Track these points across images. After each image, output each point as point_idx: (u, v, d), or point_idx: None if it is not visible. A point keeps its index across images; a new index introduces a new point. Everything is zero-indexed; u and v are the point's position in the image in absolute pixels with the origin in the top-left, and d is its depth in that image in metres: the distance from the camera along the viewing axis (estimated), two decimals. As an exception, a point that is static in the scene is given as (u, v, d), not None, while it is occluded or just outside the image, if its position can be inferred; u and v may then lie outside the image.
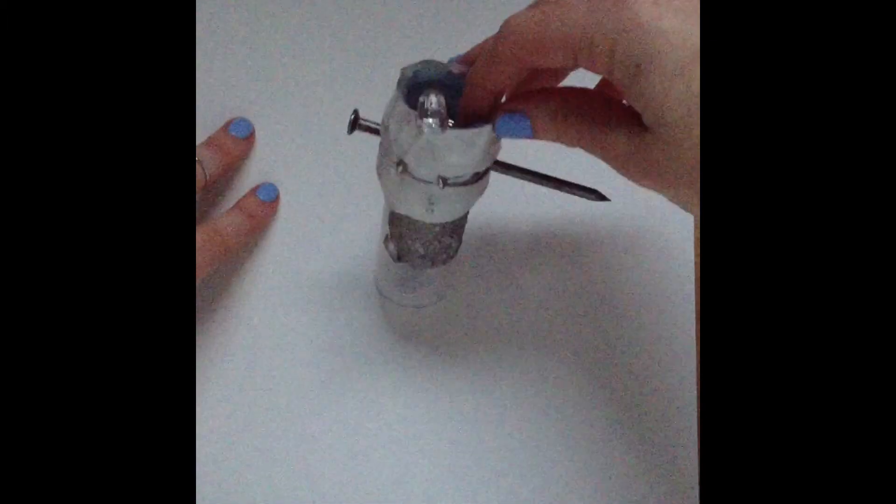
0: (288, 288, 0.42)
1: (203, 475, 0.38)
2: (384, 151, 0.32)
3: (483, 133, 0.30)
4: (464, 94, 0.30)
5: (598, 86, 0.33)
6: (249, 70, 0.44)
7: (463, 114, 0.30)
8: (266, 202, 0.41)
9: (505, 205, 0.44)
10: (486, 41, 0.30)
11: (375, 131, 0.33)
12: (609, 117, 0.28)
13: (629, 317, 0.42)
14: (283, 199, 0.42)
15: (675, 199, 0.28)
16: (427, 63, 0.31)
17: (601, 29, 0.25)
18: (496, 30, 0.28)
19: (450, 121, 0.29)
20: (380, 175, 0.33)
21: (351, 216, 0.43)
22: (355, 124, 0.33)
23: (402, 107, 0.30)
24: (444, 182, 0.31)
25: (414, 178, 0.31)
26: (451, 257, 0.37)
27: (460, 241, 0.37)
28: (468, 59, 0.31)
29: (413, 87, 0.31)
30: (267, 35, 0.45)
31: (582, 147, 0.29)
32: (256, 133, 0.43)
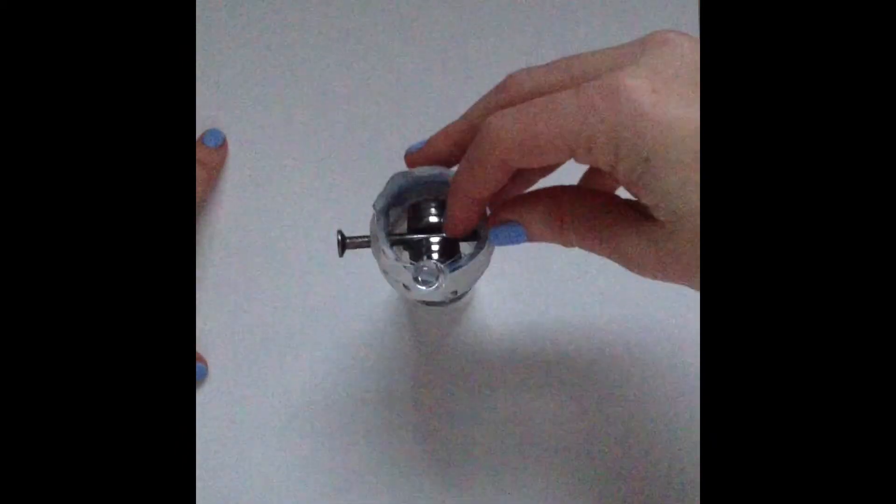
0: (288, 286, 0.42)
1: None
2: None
3: (472, 268, 0.29)
4: (449, 205, 0.28)
5: (583, 179, 0.32)
6: (221, 78, 0.44)
7: (451, 225, 0.28)
8: (214, 148, 0.41)
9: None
10: (448, 128, 0.29)
11: (367, 244, 0.31)
12: (609, 215, 0.26)
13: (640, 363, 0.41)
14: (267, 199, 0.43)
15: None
16: (393, 181, 0.29)
17: (601, 123, 0.23)
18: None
19: (440, 267, 0.28)
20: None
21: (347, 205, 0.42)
22: (344, 245, 0.31)
23: (390, 256, 0.29)
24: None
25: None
26: (461, 297, 0.36)
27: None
28: (431, 154, 0.29)
29: (390, 206, 0.30)
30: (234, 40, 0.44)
31: (586, 248, 0.27)
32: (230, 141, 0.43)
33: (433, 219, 0.30)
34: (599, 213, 0.26)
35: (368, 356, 0.41)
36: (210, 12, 0.44)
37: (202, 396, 0.40)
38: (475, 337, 0.41)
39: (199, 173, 0.40)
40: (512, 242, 0.28)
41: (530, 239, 0.28)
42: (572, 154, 0.24)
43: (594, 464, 0.40)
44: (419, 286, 0.28)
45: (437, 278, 0.28)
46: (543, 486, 0.39)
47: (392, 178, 0.29)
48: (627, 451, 0.39)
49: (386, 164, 0.41)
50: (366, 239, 0.30)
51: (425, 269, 0.28)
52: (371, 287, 0.41)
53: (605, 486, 0.39)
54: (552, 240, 0.27)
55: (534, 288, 0.41)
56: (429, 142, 0.29)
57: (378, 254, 0.29)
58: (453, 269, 0.28)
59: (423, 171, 0.29)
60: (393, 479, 0.40)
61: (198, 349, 0.41)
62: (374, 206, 0.29)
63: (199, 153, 0.41)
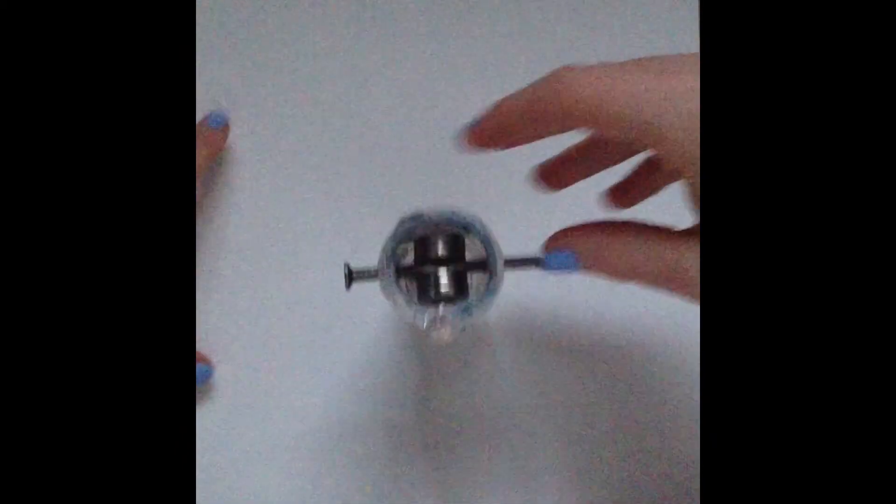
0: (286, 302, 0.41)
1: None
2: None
3: (482, 310, 0.28)
4: (484, 115, 0.27)
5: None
6: (222, 78, 0.44)
7: (474, 132, 0.27)
8: (217, 129, 0.42)
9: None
10: (509, 97, 0.27)
11: (374, 276, 0.30)
12: (666, 239, 0.25)
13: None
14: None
15: None
16: (403, 224, 0.29)
17: (679, 105, 0.23)
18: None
19: (452, 319, 0.28)
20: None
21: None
22: (351, 279, 0.30)
23: (401, 302, 0.28)
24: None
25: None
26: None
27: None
28: (503, 116, 0.27)
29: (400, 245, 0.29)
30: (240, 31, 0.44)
31: (640, 279, 0.26)
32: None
33: (441, 251, 0.29)
34: (651, 240, 0.25)
35: (371, 360, 0.41)
36: (210, 12, 0.43)
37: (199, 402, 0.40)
38: (479, 348, 0.41)
39: (201, 152, 0.41)
40: (564, 269, 0.27)
41: (583, 267, 0.27)
42: (640, 135, 0.23)
43: (603, 481, 0.40)
44: (431, 336, 0.27)
45: (449, 332, 0.27)
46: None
47: (401, 221, 0.28)
48: (645, 469, 0.40)
49: (389, 164, 0.42)
50: (373, 272, 0.30)
51: (438, 321, 0.27)
52: (374, 293, 0.41)
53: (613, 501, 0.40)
54: (603, 269, 0.27)
55: (538, 300, 0.41)
56: (497, 106, 0.27)
57: (388, 296, 0.29)
58: (465, 317, 0.28)
59: (434, 213, 0.29)
60: (397, 497, 0.40)
61: (200, 350, 0.41)
62: (382, 249, 0.29)
63: (202, 134, 0.41)
